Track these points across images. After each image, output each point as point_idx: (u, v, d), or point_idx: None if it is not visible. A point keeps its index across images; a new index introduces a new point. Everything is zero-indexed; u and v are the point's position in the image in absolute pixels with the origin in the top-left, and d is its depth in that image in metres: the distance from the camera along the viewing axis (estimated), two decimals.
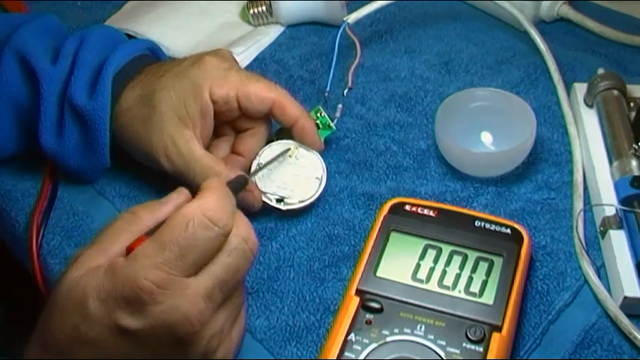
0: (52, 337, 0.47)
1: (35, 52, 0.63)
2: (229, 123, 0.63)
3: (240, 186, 0.55)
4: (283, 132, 0.64)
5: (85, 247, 0.48)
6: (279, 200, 0.61)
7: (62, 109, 0.62)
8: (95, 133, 0.61)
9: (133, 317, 0.45)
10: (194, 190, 0.50)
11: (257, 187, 0.61)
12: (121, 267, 0.45)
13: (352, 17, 0.70)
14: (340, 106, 0.68)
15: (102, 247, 0.47)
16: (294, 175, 0.62)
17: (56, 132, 0.62)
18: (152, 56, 0.67)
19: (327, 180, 0.62)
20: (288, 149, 0.62)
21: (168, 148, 0.59)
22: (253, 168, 0.62)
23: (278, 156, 0.61)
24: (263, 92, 0.61)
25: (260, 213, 0.63)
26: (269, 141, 0.63)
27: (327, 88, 0.68)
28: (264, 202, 0.61)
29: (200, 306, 0.46)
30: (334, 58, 0.68)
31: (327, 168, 0.62)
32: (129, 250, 0.46)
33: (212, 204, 0.47)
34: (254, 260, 0.49)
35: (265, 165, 0.61)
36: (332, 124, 0.65)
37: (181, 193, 0.51)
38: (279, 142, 0.63)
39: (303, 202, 0.61)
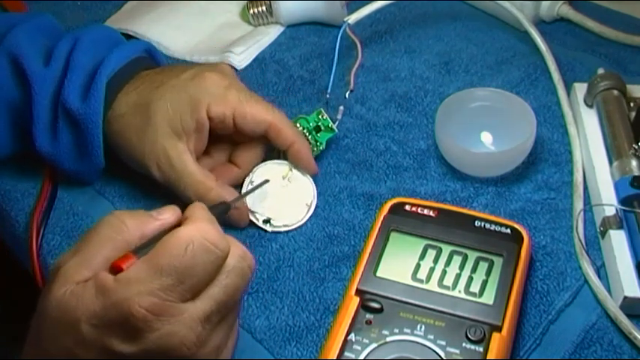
0: (45, 356, 0.45)
1: (27, 54, 0.62)
2: (227, 135, 0.63)
3: (222, 212, 0.54)
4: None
5: (65, 256, 0.46)
6: (266, 221, 0.61)
7: (55, 112, 0.61)
8: (89, 137, 0.61)
9: (127, 343, 0.43)
10: (184, 202, 0.50)
11: (245, 206, 0.61)
12: (113, 290, 0.43)
13: (353, 18, 0.70)
14: (341, 108, 0.68)
15: (85, 257, 0.45)
16: (284, 198, 0.62)
17: (50, 135, 0.62)
18: (149, 58, 0.66)
19: (316, 207, 0.62)
20: (267, 181, 0.61)
21: (160, 159, 0.59)
22: (245, 184, 0.62)
23: (258, 186, 0.61)
24: (260, 114, 0.60)
25: None
26: (271, 150, 0.64)
27: (329, 90, 0.68)
28: (250, 220, 0.61)
29: (197, 330, 0.44)
30: (335, 59, 0.68)
31: (317, 194, 0.63)
32: (115, 267, 0.44)
33: (210, 226, 0.46)
34: (252, 278, 0.48)
35: (251, 191, 0.60)
36: (334, 127, 0.65)
37: (173, 212, 0.48)
38: (275, 161, 0.63)
39: (288, 226, 0.61)
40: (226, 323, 0.48)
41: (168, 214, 0.48)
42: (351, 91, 0.69)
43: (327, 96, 0.68)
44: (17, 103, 0.63)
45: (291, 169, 0.63)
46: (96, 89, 0.60)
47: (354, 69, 0.70)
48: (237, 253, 0.46)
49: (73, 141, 0.62)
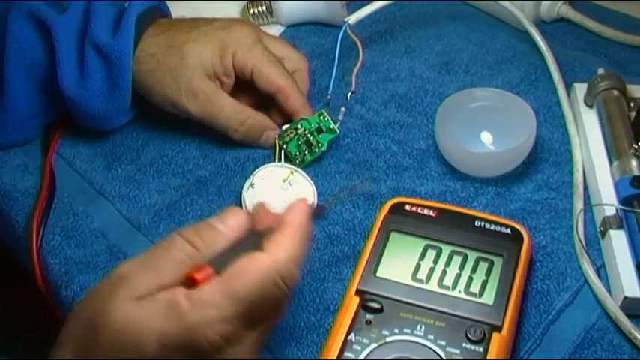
0: None
1: (42, 6, 0.64)
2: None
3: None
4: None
5: (131, 265, 0.44)
6: None
7: (82, 52, 0.64)
8: (120, 70, 0.63)
9: None
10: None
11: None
12: (187, 313, 0.42)
13: (353, 18, 0.70)
14: (343, 109, 0.68)
15: (158, 273, 0.44)
16: (282, 201, 0.61)
17: (77, 74, 0.64)
18: (162, 11, 0.69)
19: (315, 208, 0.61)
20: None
21: (198, 95, 0.63)
22: (245, 187, 0.62)
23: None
24: (274, 77, 0.65)
25: None
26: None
27: (329, 91, 0.69)
28: None
29: (253, 351, 0.45)
30: (335, 60, 0.68)
31: (317, 195, 0.63)
32: (190, 279, 0.43)
33: (288, 260, 0.44)
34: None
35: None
36: (335, 128, 0.65)
37: (236, 217, 0.47)
38: (276, 164, 0.64)
39: None
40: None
41: (234, 223, 0.46)
42: (353, 92, 0.69)
43: (328, 97, 0.69)
44: (37, 58, 0.65)
45: (292, 173, 0.63)
46: (126, 24, 0.63)
47: (355, 70, 0.70)
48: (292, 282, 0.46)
49: (101, 78, 0.64)
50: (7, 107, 0.66)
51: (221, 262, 0.44)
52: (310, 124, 0.65)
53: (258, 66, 0.64)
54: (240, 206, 0.62)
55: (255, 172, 0.63)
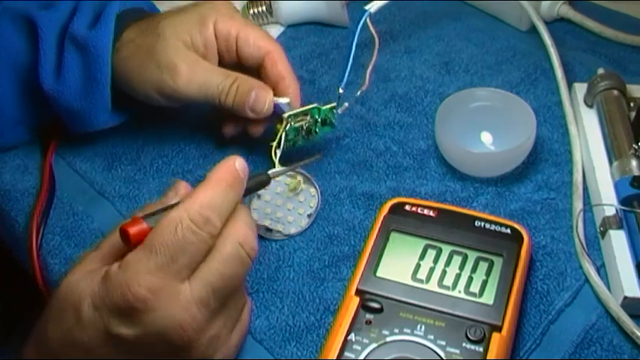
0: (46, 337, 0.47)
1: (30, 5, 0.64)
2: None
3: (261, 183, 0.54)
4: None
5: (89, 251, 0.49)
6: (268, 230, 0.61)
7: (62, 47, 0.62)
8: (97, 61, 0.61)
9: (125, 325, 0.44)
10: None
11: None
12: (115, 274, 0.45)
13: (374, 6, 0.67)
14: (346, 104, 0.65)
15: (100, 252, 0.48)
16: (287, 209, 0.61)
17: (56, 70, 0.62)
18: (149, 12, 0.67)
19: (315, 216, 0.61)
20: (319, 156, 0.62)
21: (178, 68, 0.59)
22: (249, 199, 0.62)
23: (311, 160, 0.61)
24: (261, 41, 0.62)
25: None
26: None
27: (342, 84, 0.65)
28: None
29: (193, 313, 0.45)
30: (352, 51, 0.64)
31: (321, 199, 0.62)
32: (124, 231, 0.46)
33: (201, 204, 0.46)
34: (253, 263, 0.48)
35: (300, 164, 0.60)
36: (335, 124, 0.65)
37: (177, 187, 0.51)
38: (287, 170, 0.60)
39: (286, 236, 0.61)
40: (227, 311, 0.48)
41: (172, 192, 0.51)
42: (365, 88, 0.65)
43: (341, 91, 0.64)
44: (22, 58, 0.63)
45: (300, 183, 0.62)
46: (106, 16, 0.61)
47: (370, 65, 0.65)
48: (236, 239, 0.47)
49: (78, 72, 0.62)
50: None
51: (154, 216, 0.47)
52: (319, 114, 0.63)
53: (243, 31, 0.62)
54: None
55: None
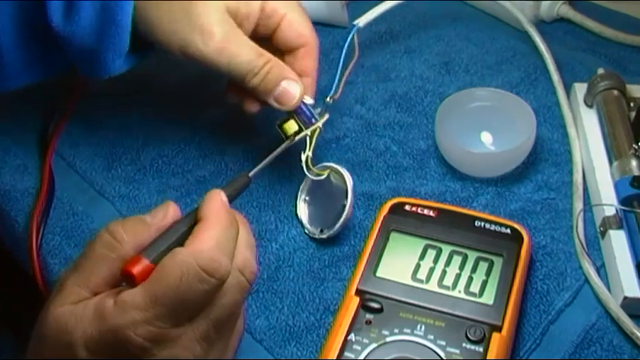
0: None
1: None
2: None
3: (242, 188, 0.51)
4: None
5: (67, 272, 0.45)
6: (321, 231, 0.60)
7: None
8: (118, 4, 0.55)
9: None
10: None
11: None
12: (110, 316, 0.42)
13: (363, 20, 0.67)
14: (327, 115, 0.60)
15: (83, 276, 0.44)
16: (326, 207, 0.60)
17: (66, 7, 0.56)
18: None
19: (351, 208, 0.58)
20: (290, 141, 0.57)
21: (214, 33, 0.54)
22: (299, 199, 0.61)
23: (279, 151, 0.56)
24: (305, 29, 0.59)
25: (259, 214, 0.63)
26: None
27: (330, 94, 0.63)
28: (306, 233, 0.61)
29: (196, 351, 0.43)
30: (340, 63, 0.64)
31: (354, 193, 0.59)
32: (126, 272, 0.43)
33: (209, 248, 0.43)
34: (252, 288, 0.46)
35: (271, 158, 0.55)
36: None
37: (165, 210, 0.46)
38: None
39: (324, 233, 0.60)
40: (226, 332, 0.46)
41: (161, 213, 0.46)
42: (334, 98, 0.62)
43: (329, 100, 0.62)
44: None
45: (331, 173, 0.60)
46: None
47: (344, 77, 0.64)
48: (236, 265, 0.44)
49: (94, 12, 0.55)
50: (1, 54, 0.59)
51: (155, 252, 0.44)
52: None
53: (291, 13, 0.57)
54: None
55: (302, 187, 0.62)
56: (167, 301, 0.41)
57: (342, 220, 0.58)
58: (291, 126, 0.59)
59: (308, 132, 0.58)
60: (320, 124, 0.59)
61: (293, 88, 0.57)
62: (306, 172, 0.59)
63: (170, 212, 0.46)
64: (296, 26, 0.58)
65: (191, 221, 0.46)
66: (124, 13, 0.55)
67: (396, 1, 0.70)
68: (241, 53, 0.56)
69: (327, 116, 0.60)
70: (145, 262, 0.43)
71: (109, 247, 0.44)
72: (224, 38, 0.55)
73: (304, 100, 0.59)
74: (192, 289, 0.42)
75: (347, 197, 0.59)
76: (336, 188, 0.60)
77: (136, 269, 0.43)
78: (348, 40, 0.64)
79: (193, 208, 0.46)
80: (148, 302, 0.41)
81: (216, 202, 0.46)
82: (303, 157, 0.59)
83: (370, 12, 0.69)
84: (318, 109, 0.60)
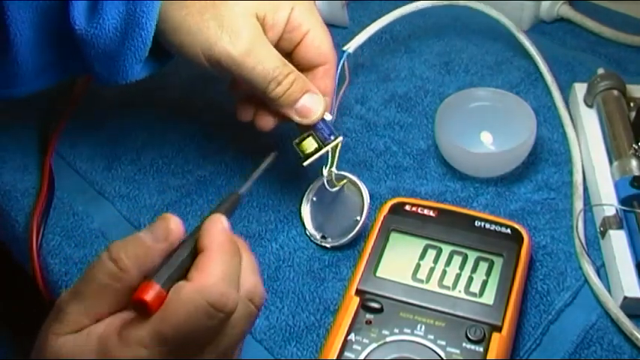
0: None
1: None
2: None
3: (234, 207, 0.48)
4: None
5: (66, 297, 0.42)
6: (324, 237, 0.60)
7: None
8: (145, 4, 0.53)
9: None
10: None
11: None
12: (115, 350, 0.40)
13: (352, 46, 0.66)
14: (341, 138, 0.58)
15: (86, 305, 0.42)
16: (335, 215, 0.60)
17: (89, 8, 0.55)
18: None
19: (366, 220, 0.58)
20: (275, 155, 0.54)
21: (242, 34, 0.53)
22: (305, 200, 0.61)
23: (267, 165, 0.53)
24: (326, 48, 0.57)
25: (260, 214, 0.63)
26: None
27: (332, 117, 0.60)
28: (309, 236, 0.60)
29: None
30: (335, 89, 0.61)
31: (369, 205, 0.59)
32: (137, 301, 0.41)
33: (215, 283, 0.41)
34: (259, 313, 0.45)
35: (260, 172, 0.53)
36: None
37: (168, 228, 0.43)
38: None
39: (335, 243, 0.59)
40: (233, 357, 0.45)
41: (161, 232, 0.43)
42: (332, 120, 0.59)
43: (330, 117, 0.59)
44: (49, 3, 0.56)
45: (346, 184, 0.60)
46: None
47: (337, 99, 0.62)
48: (246, 295, 0.43)
49: (119, 14, 0.54)
50: (17, 60, 0.58)
51: (164, 277, 0.42)
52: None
53: (314, 30, 0.57)
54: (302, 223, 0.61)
55: (310, 187, 0.61)
56: (174, 339, 0.40)
57: (352, 234, 0.58)
58: (310, 144, 0.57)
59: (329, 148, 0.57)
60: (340, 139, 0.57)
61: (316, 101, 0.56)
62: (327, 187, 0.59)
63: (171, 229, 0.43)
64: (318, 44, 0.57)
65: (194, 244, 0.44)
66: (149, 16, 0.54)
67: (383, 23, 0.68)
68: (268, 59, 0.54)
69: (340, 138, 0.58)
70: (157, 289, 0.41)
71: (113, 277, 0.42)
72: (252, 41, 0.54)
73: (324, 117, 0.57)
74: (199, 326, 0.41)
75: (362, 214, 0.58)
76: (347, 198, 0.59)
77: (149, 297, 0.41)
78: (339, 66, 0.61)
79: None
80: (155, 340, 0.40)
81: (217, 229, 0.44)
82: (325, 173, 0.59)
83: (359, 36, 0.67)
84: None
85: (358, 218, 0.58)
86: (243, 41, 0.53)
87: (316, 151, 0.57)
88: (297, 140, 0.58)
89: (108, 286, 0.42)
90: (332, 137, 0.57)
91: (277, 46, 0.57)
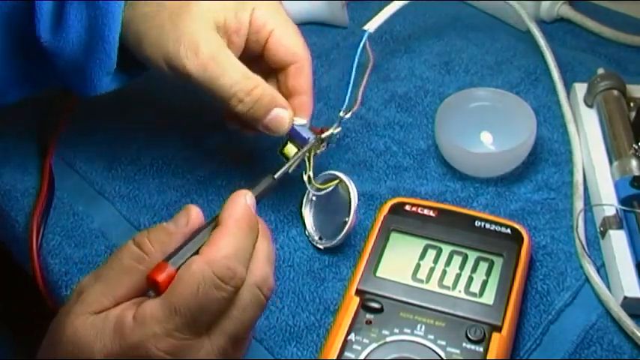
0: None
1: None
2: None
3: (268, 191, 0.50)
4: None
5: (88, 279, 0.44)
6: (321, 238, 0.60)
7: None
8: (106, 17, 0.54)
9: None
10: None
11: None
12: (131, 331, 0.41)
13: (372, 26, 0.63)
14: (339, 129, 0.58)
15: (107, 286, 0.43)
16: (330, 216, 0.60)
17: (55, 20, 0.55)
18: None
19: (354, 221, 0.57)
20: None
21: (200, 49, 0.53)
22: (305, 200, 0.61)
23: (305, 150, 0.55)
24: (295, 45, 0.57)
25: (260, 214, 0.63)
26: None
27: (343, 107, 0.59)
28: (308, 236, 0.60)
29: (223, 355, 0.43)
30: (353, 74, 0.59)
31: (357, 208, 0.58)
32: (152, 280, 0.42)
33: (224, 257, 0.42)
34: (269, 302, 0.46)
35: (300, 156, 0.55)
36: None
37: (187, 215, 0.45)
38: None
39: (327, 244, 0.59)
40: (241, 348, 0.46)
41: (183, 219, 0.45)
42: (355, 110, 0.59)
43: (341, 114, 0.59)
44: (19, 14, 0.57)
45: (340, 182, 0.59)
46: None
47: (362, 86, 0.60)
48: (255, 282, 0.44)
49: (81, 26, 0.55)
50: None
51: (180, 260, 0.43)
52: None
53: (280, 28, 0.56)
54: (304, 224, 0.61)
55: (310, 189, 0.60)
56: (186, 310, 0.41)
57: (340, 236, 0.58)
58: (291, 150, 0.57)
59: (304, 152, 0.56)
60: (312, 142, 0.56)
61: (283, 115, 0.56)
62: (312, 190, 0.59)
63: (193, 217, 0.45)
64: (284, 42, 0.56)
65: (214, 226, 0.45)
66: (111, 29, 0.54)
67: (404, 2, 0.68)
68: (225, 74, 0.54)
69: (312, 140, 0.57)
70: (169, 270, 0.43)
71: (136, 259, 0.43)
72: (209, 56, 0.53)
73: (295, 123, 0.57)
74: (209, 297, 0.42)
75: (349, 214, 0.58)
76: (342, 199, 0.59)
77: (161, 277, 0.42)
78: (360, 47, 0.60)
79: (215, 212, 0.45)
80: (167, 314, 0.41)
81: (238, 205, 0.45)
82: (305, 178, 0.58)
83: (378, 16, 0.65)
84: (335, 124, 0.58)
85: (347, 219, 0.58)
86: (200, 58, 0.53)
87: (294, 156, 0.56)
88: (279, 148, 0.57)
89: (131, 268, 0.43)
90: (309, 140, 0.57)
91: (248, 49, 0.57)
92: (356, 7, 0.72)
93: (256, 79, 0.55)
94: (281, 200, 0.63)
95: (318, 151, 0.58)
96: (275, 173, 0.51)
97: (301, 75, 0.57)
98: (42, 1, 0.55)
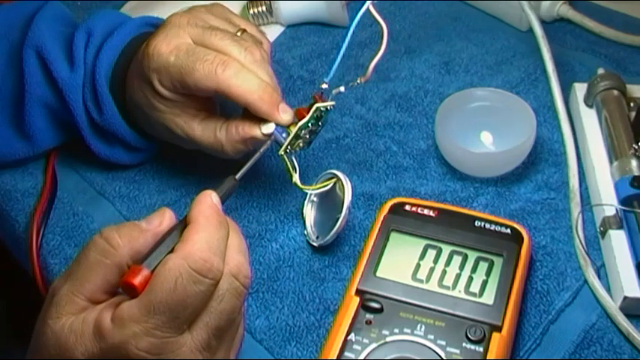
0: None
1: (53, 52, 0.62)
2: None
3: (231, 192, 0.51)
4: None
5: (59, 280, 0.44)
6: (318, 237, 0.60)
7: (89, 115, 0.63)
8: (119, 137, 0.63)
9: None
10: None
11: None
12: (110, 333, 0.42)
13: None
14: (342, 88, 0.58)
15: (76, 284, 0.43)
16: (328, 215, 0.60)
17: (99, 136, 0.64)
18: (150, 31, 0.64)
19: (345, 220, 0.57)
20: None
21: (175, 133, 0.60)
22: (307, 201, 0.61)
23: (260, 154, 0.56)
24: (202, 82, 0.56)
25: (260, 214, 0.63)
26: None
27: (328, 78, 0.58)
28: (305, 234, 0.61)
29: (208, 350, 0.44)
30: (347, 39, 0.58)
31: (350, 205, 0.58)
32: (126, 284, 0.43)
33: (199, 250, 0.43)
34: (247, 293, 0.46)
35: (253, 161, 0.55)
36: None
37: (161, 217, 0.46)
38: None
39: (321, 242, 0.59)
40: (227, 339, 0.46)
41: (157, 220, 0.46)
42: (362, 81, 0.58)
43: (325, 85, 0.58)
44: (51, 101, 0.63)
45: (336, 182, 0.59)
46: (104, 97, 0.61)
47: (378, 55, 0.57)
48: (231, 272, 0.44)
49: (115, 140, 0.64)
50: (32, 139, 0.65)
51: (154, 260, 0.43)
52: (326, 113, 0.58)
53: (222, 86, 0.56)
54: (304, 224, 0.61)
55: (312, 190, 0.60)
56: (164, 308, 0.42)
57: (332, 233, 0.58)
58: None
59: (261, 153, 0.57)
60: (268, 144, 0.57)
61: (252, 137, 0.57)
62: (306, 192, 0.60)
63: (166, 218, 0.46)
64: (193, 87, 0.56)
65: (184, 226, 0.46)
66: (125, 138, 0.63)
67: None
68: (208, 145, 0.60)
69: (341, 89, 0.57)
70: (144, 272, 0.43)
71: (103, 253, 0.44)
72: (187, 138, 0.60)
73: (263, 132, 0.57)
74: (187, 292, 0.42)
75: (342, 210, 0.57)
76: (339, 198, 0.59)
77: (137, 280, 0.42)
78: (357, 17, 0.58)
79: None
80: (145, 313, 0.42)
81: (205, 204, 0.46)
82: (292, 182, 0.57)
83: None
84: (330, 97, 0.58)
85: (339, 216, 0.57)
86: (181, 138, 0.60)
87: (297, 136, 0.57)
88: (277, 149, 0.58)
89: (98, 263, 0.43)
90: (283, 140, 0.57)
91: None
92: (356, 7, 0.72)
93: (220, 133, 0.59)
94: (281, 200, 0.63)
95: (307, 135, 0.58)
96: (236, 174, 0.53)
97: (230, 96, 0.56)
98: (81, 121, 0.63)
